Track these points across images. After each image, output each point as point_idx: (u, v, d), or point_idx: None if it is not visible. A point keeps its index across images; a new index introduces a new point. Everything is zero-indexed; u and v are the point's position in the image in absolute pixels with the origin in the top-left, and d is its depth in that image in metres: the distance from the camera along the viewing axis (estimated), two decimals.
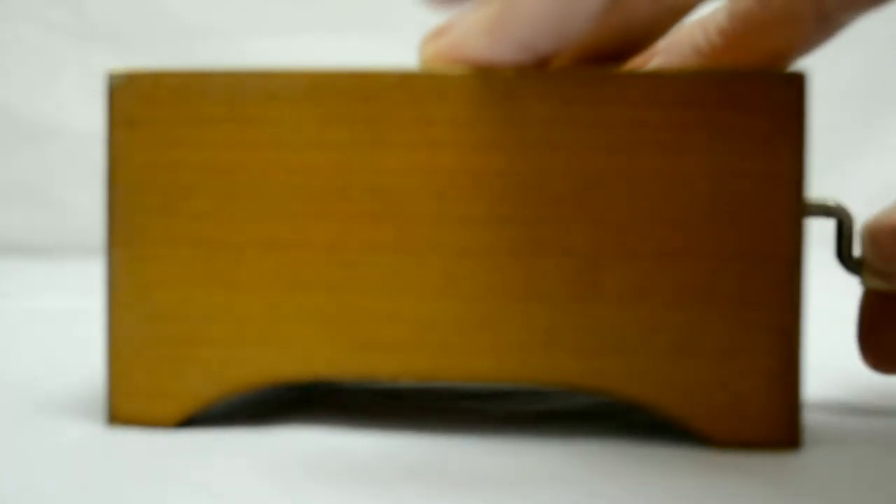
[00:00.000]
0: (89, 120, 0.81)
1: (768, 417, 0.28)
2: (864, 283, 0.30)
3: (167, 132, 0.29)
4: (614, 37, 0.28)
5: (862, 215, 0.30)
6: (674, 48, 0.31)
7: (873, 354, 0.31)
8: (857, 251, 0.30)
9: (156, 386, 0.29)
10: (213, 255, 0.29)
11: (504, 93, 0.28)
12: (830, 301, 0.41)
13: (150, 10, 0.90)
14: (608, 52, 0.29)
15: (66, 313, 0.51)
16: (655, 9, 0.27)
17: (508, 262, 0.28)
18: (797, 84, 0.28)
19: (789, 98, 0.28)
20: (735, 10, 0.29)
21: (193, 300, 0.29)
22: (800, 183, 0.28)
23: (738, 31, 0.29)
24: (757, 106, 0.28)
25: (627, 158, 0.28)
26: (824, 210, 0.30)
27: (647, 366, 0.28)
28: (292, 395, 0.33)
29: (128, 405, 0.30)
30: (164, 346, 0.29)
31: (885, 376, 0.31)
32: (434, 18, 0.29)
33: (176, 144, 0.29)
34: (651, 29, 0.28)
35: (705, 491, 0.25)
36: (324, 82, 0.29)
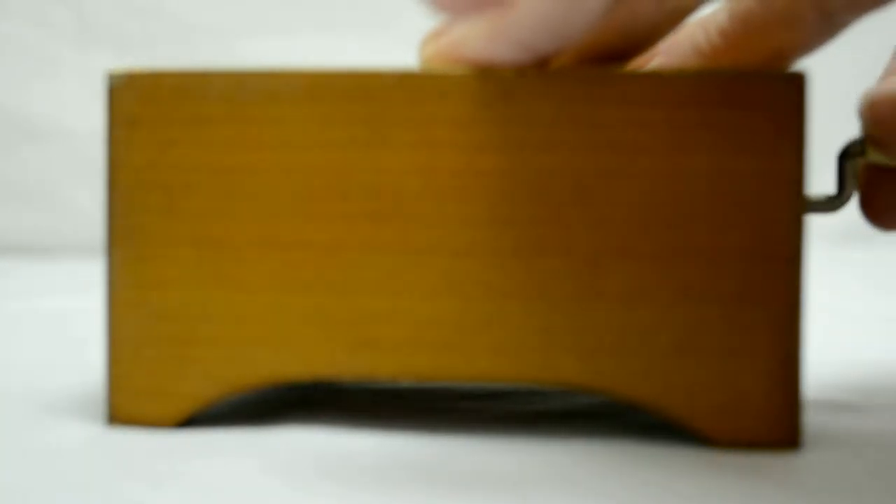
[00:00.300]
0: (89, 120, 0.81)
1: (768, 417, 0.28)
2: (867, 157, 0.30)
3: (167, 132, 0.29)
4: (616, 38, 0.28)
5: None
6: (674, 48, 0.31)
7: (872, 212, 0.30)
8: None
9: (156, 386, 0.29)
10: (213, 254, 0.29)
11: (504, 93, 0.28)
12: (830, 300, 0.41)
13: (150, 10, 0.90)
14: (610, 52, 0.29)
15: (66, 313, 0.51)
16: (658, 10, 0.27)
17: (508, 262, 0.28)
18: (797, 84, 0.28)
19: (790, 98, 0.28)
20: (736, 10, 0.29)
21: (193, 300, 0.29)
22: (800, 182, 0.28)
23: (738, 32, 0.29)
24: (757, 106, 0.28)
25: (627, 158, 0.28)
26: (824, 204, 0.30)
27: (647, 366, 0.28)
28: (292, 395, 0.33)
29: (128, 405, 0.30)
30: (164, 345, 0.29)
31: (886, 231, 0.31)
32: (434, 18, 0.29)
33: (176, 144, 0.29)
34: (653, 30, 0.28)
35: (705, 491, 0.25)
36: (324, 82, 0.29)
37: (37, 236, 0.85)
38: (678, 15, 0.28)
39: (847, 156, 0.30)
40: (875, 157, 0.30)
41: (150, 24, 0.90)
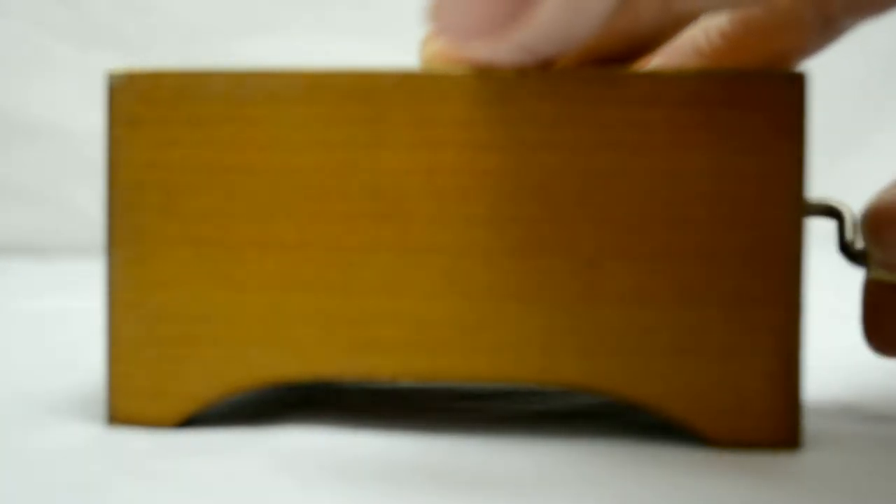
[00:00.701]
0: (89, 120, 0.81)
1: (768, 417, 0.28)
2: (869, 273, 0.30)
3: (167, 132, 0.29)
4: (619, 42, 0.28)
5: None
6: (674, 49, 0.30)
7: (877, 339, 0.30)
8: (859, 246, 0.30)
9: (156, 386, 0.29)
10: (213, 254, 0.29)
11: (504, 93, 0.28)
12: (830, 300, 0.41)
13: (150, 10, 0.90)
14: (612, 56, 0.29)
15: (66, 313, 0.51)
16: (662, 16, 0.27)
17: (508, 262, 0.28)
18: (798, 84, 0.28)
19: (790, 98, 0.28)
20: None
21: (193, 300, 0.29)
22: (800, 183, 0.28)
23: (739, 34, 0.29)
24: (757, 106, 0.28)
25: (627, 158, 0.28)
26: (824, 209, 0.30)
27: (647, 366, 0.28)
28: (292, 395, 0.33)
29: (128, 405, 0.30)
30: (164, 346, 0.29)
31: (889, 359, 0.31)
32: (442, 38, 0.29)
33: (176, 144, 0.29)
34: (656, 35, 0.28)
35: (705, 491, 0.25)
36: (324, 82, 0.29)
37: (37, 236, 0.85)
38: (681, 22, 0.28)
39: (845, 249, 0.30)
40: (878, 274, 0.29)
41: (150, 24, 0.90)
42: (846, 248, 0.30)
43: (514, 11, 0.25)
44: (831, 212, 0.30)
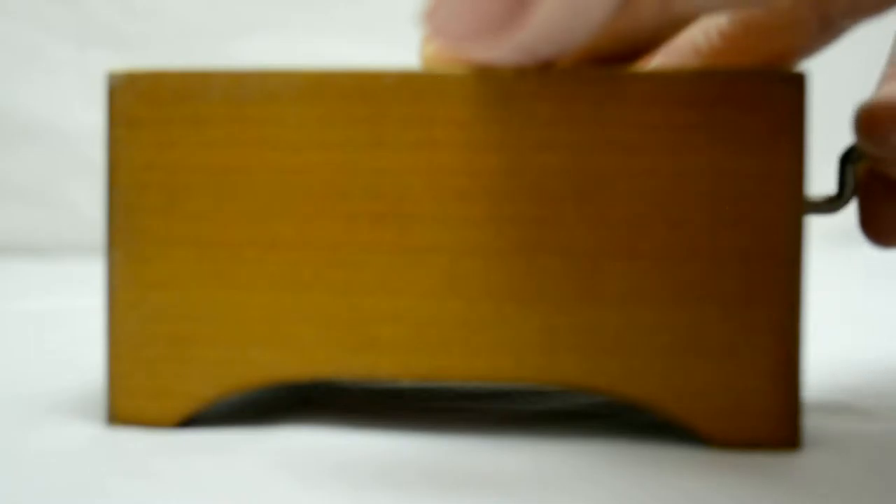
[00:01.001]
0: (89, 120, 0.81)
1: (768, 417, 0.28)
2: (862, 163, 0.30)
3: (167, 132, 0.29)
4: (618, 43, 0.28)
5: None
6: (673, 49, 0.30)
7: (873, 229, 0.30)
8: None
9: (156, 386, 0.29)
10: (212, 254, 0.29)
11: (504, 93, 0.28)
12: (830, 300, 0.41)
13: (149, 10, 0.90)
14: (611, 56, 0.29)
15: (66, 313, 0.51)
16: (660, 17, 0.27)
17: (508, 262, 0.28)
18: (797, 84, 0.28)
19: (789, 98, 0.28)
20: None
21: (193, 300, 0.29)
22: (800, 183, 0.28)
23: (738, 34, 0.29)
24: (757, 106, 0.28)
25: (627, 158, 0.28)
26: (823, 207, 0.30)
27: (647, 365, 0.28)
28: (292, 395, 0.33)
29: (128, 405, 0.30)
30: (164, 345, 0.29)
31: (886, 249, 0.31)
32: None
33: (176, 144, 0.29)
34: (655, 36, 0.28)
35: (705, 491, 0.25)
36: (324, 82, 0.29)
37: (37, 236, 0.85)
38: (681, 22, 0.28)
39: (848, 160, 0.30)
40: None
41: (150, 24, 0.90)
42: (849, 154, 0.30)
43: (510, 14, 0.25)
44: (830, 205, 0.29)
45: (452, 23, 0.26)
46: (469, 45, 0.26)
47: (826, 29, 0.29)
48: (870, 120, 0.28)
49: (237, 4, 0.91)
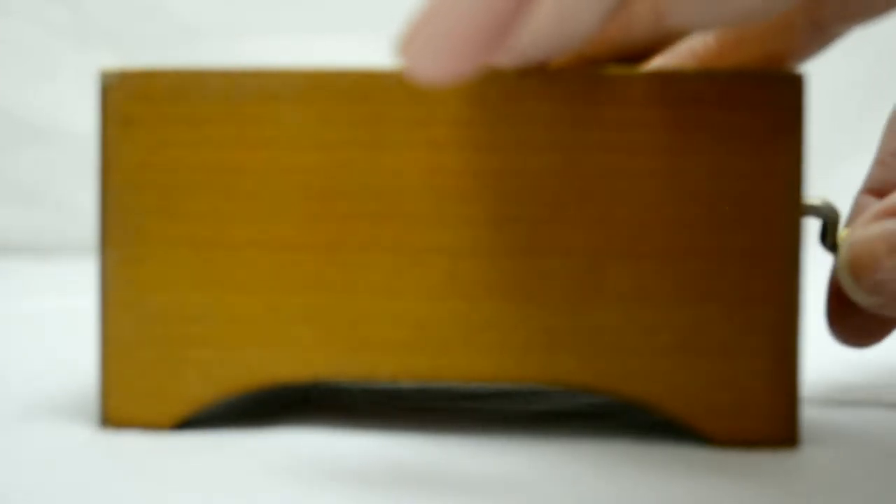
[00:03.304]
0: (89, 120, 0.81)
1: (768, 416, 0.28)
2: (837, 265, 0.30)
3: (161, 132, 0.29)
4: (609, 51, 0.28)
5: None
6: (669, 51, 0.30)
7: (840, 328, 0.31)
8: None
9: (151, 388, 0.29)
10: (209, 255, 0.29)
11: (504, 93, 0.28)
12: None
13: (149, 10, 0.90)
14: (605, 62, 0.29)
15: (66, 313, 0.51)
16: (653, 29, 0.27)
17: (508, 262, 0.28)
18: (796, 84, 0.28)
19: (789, 98, 0.28)
20: None
21: (189, 301, 0.29)
22: (799, 183, 0.28)
23: (732, 38, 0.29)
24: (756, 106, 0.28)
25: (627, 158, 0.28)
26: (813, 210, 0.30)
27: (647, 365, 0.28)
28: (292, 396, 0.33)
29: (122, 407, 0.29)
30: (159, 347, 0.29)
31: (850, 348, 0.32)
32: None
33: (170, 144, 0.29)
34: (647, 47, 0.28)
35: (705, 489, 0.25)
36: (323, 82, 0.29)
37: (37, 236, 0.85)
38: (673, 36, 0.28)
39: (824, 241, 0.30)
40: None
41: (150, 24, 0.90)
42: (827, 245, 0.30)
43: (496, 35, 0.24)
44: (817, 212, 0.30)
45: (428, 60, 0.24)
46: (446, 79, 0.24)
47: (818, 34, 0.29)
48: (857, 267, 0.28)
49: (237, 5, 0.91)
